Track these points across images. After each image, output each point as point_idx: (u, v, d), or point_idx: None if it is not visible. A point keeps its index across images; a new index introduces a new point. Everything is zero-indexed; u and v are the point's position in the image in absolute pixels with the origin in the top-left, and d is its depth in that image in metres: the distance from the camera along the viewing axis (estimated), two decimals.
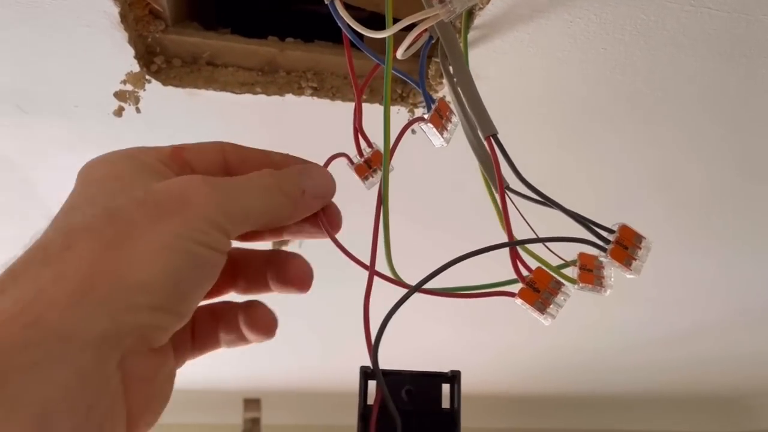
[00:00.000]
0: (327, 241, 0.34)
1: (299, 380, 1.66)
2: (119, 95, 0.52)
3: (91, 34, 0.49)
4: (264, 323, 0.32)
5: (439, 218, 0.86)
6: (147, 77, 0.52)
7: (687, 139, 0.67)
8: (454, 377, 0.31)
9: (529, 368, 1.56)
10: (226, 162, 0.30)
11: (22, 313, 0.21)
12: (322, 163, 0.35)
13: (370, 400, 0.29)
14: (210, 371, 1.42)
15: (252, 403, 1.80)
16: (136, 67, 0.51)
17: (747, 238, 0.91)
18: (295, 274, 0.32)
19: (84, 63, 0.53)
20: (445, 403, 0.31)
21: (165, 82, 0.54)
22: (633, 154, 0.70)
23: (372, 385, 0.29)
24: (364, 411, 0.29)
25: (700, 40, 0.50)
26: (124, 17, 0.47)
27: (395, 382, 0.30)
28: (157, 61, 0.53)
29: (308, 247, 0.87)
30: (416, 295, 0.30)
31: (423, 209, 0.81)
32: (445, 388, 0.31)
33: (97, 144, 0.74)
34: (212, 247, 0.25)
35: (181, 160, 0.29)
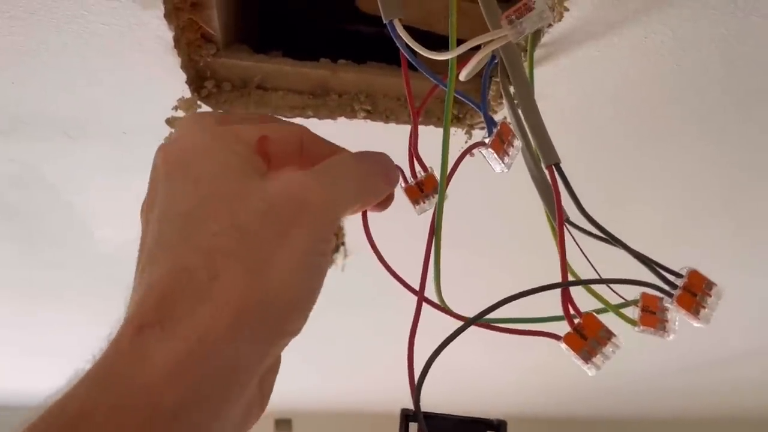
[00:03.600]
0: (366, 266, 0.36)
1: (331, 401, 1.70)
2: (171, 122, 0.56)
3: (144, 59, 0.53)
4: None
5: (484, 244, 0.87)
6: (198, 102, 0.56)
7: (759, 161, 0.67)
8: (499, 426, 0.32)
9: (561, 390, 1.55)
10: (302, 150, 0.33)
11: (194, 352, 0.25)
12: None
13: None
14: None
15: (283, 423, 1.84)
16: (187, 93, 0.56)
17: None
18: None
19: (134, 89, 0.58)
20: None
21: (215, 107, 0.57)
22: (700, 173, 0.71)
23: (413, 427, 0.30)
24: None
25: None
26: (177, 41, 0.51)
27: (438, 426, 0.30)
28: (208, 85, 0.57)
29: (348, 269, 0.90)
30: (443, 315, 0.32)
31: (468, 235, 0.83)
32: None
33: (144, 170, 0.79)
34: (328, 252, 0.29)
35: (264, 152, 0.31)
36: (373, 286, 0.88)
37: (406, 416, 0.30)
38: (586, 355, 0.30)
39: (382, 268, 0.36)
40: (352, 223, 0.80)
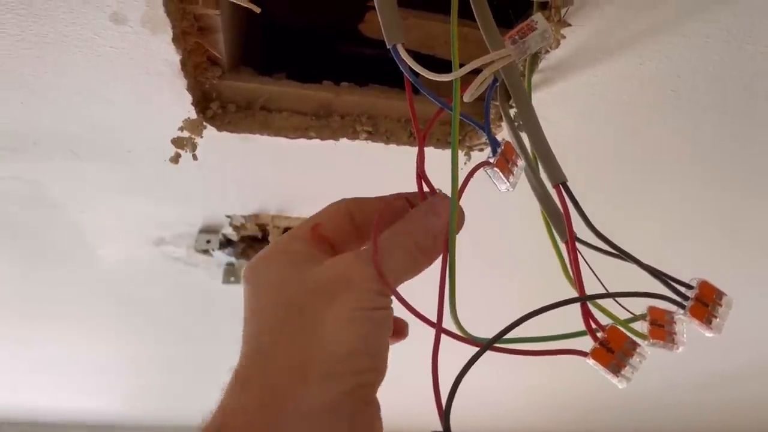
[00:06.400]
0: None
1: None
2: (176, 142, 0.55)
3: (151, 81, 0.52)
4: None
5: (491, 263, 0.87)
6: (204, 123, 0.55)
7: (754, 180, 0.68)
8: None
9: (570, 409, 1.55)
10: (353, 220, 0.36)
11: (268, 402, 0.28)
12: None
13: None
14: None
15: None
16: (193, 114, 0.55)
17: None
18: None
19: (141, 110, 0.57)
20: None
21: (220, 128, 0.57)
22: (696, 196, 0.71)
23: None
24: None
25: None
26: (184, 64, 0.51)
27: None
28: (213, 106, 0.57)
29: None
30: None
31: (470, 254, 0.83)
32: None
33: (147, 187, 0.79)
34: (380, 307, 0.31)
35: (319, 236, 0.35)
36: None
37: None
38: (615, 368, 0.30)
39: None
40: None
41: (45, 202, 0.75)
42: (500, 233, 0.80)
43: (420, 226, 0.34)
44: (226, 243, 0.87)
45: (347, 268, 0.32)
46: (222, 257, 0.88)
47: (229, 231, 0.85)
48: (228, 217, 0.82)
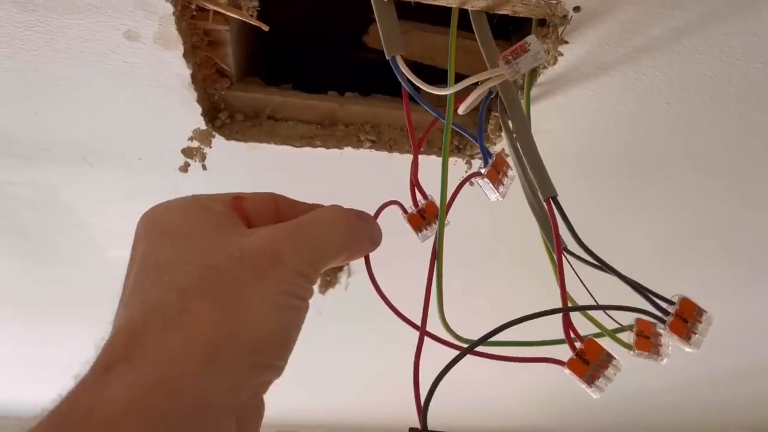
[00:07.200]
0: (369, 287, 0.37)
1: (334, 414, 1.70)
2: (186, 152, 0.57)
3: (163, 94, 0.54)
4: None
5: (480, 270, 0.88)
6: (213, 133, 0.57)
7: (748, 190, 0.69)
8: None
9: (560, 404, 1.56)
10: (278, 212, 0.34)
11: (161, 383, 0.24)
12: (374, 210, 0.38)
13: None
14: None
15: None
16: (202, 125, 0.57)
17: None
18: None
19: (152, 121, 0.59)
20: None
21: (228, 137, 0.59)
22: (692, 205, 0.73)
23: None
24: None
25: (767, 95, 0.52)
26: (194, 77, 0.53)
27: None
28: (221, 116, 0.59)
29: (353, 288, 0.91)
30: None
31: (470, 257, 0.84)
32: None
33: (156, 194, 0.80)
34: (305, 297, 0.29)
35: (240, 210, 0.32)
36: (377, 303, 0.88)
37: None
38: (590, 379, 0.31)
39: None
40: None
41: (56, 207, 0.77)
42: (498, 237, 0.82)
43: (357, 222, 0.33)
44: None
45: (277, 244, 0.29)
46: None
47: None
48: None
